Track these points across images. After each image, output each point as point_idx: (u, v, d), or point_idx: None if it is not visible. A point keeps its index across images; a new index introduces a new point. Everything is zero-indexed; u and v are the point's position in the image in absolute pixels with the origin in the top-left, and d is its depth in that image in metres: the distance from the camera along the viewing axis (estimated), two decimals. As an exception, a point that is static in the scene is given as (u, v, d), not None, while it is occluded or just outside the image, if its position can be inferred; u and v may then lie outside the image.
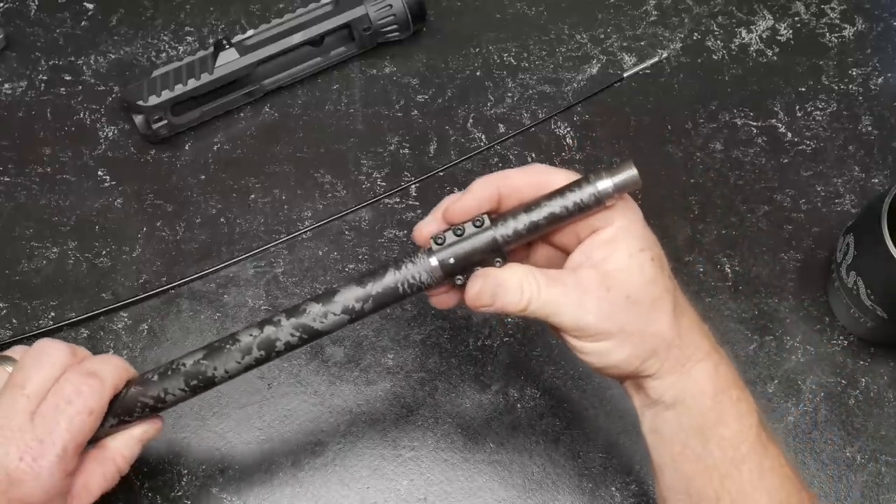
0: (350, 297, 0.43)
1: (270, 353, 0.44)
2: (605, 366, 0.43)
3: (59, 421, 0.42)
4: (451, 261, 0.42)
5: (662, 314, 0.42)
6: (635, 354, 0.42)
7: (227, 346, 0.44)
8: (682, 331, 0.43)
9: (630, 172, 0.41)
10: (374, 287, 0.43)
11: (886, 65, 0.65)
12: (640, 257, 0.42)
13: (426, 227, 0.44)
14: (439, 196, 0.48)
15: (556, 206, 0.42)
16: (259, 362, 0.44)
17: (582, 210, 0.41)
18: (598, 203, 0.41)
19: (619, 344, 0.42)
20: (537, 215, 0.42)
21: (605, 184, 0.41)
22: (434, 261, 0.42)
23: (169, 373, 0.45)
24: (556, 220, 0.42)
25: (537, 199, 0.42)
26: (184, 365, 0.45)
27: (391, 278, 0.43)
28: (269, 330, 0.44)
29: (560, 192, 0.42)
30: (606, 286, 0.41)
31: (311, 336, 0.44)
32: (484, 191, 0.43)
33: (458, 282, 0.43)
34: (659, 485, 0.45)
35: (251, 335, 0.44)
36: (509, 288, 0.42)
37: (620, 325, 0.42)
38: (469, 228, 0.42)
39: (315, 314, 0.43)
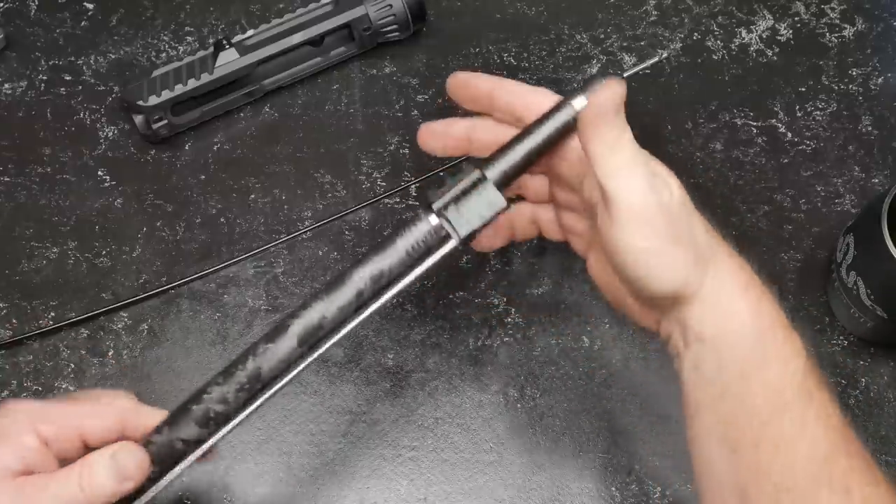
0: (363, 276, 0.43)
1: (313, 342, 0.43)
2: (654, 269, 0.41)
3: None
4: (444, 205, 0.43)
5: (696, 218, 0.43)
6: (680, 264, 0.41)
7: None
8: (715, 248, 0.43)
9: (600, 84, 0.42)
10: (385, 261, 0.43)
11: (886, 65, 0.65)
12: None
13: None
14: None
15: (539, 136, 0.43)
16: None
17: (565, 132, 0.43)
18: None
19: (668, 246, 0.41)
20: (525, 148, 0.43)
21: (581, 101, 0.43)
22: (434, 218, 0.43)
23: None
24: (543, 149, 0.43)
25: (520, 133, 0.44)
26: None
27: (400, 245, 0.43)
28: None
29: (540, 120, 0.43)
30: (658, 176, 0.43)
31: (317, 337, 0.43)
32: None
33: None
34: (692, 429, 0.43)
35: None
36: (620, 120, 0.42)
37: (671, 216, 0.42)
38: (460, 179, 0.43)
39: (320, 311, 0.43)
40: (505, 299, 0.58)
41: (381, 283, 0.43)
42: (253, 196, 0.61)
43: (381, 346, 0.57)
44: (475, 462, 0.54)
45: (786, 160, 0.62)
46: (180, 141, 0.63)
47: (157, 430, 0.43)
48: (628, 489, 0.54)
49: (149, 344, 0.57)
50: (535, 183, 0.49)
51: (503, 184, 0.44)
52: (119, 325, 0.58)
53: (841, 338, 0.58)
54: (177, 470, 0.43)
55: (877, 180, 0.62)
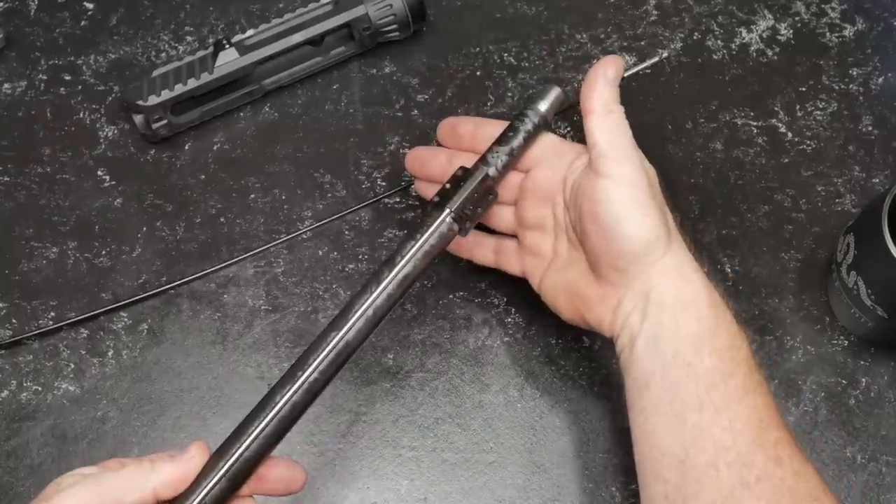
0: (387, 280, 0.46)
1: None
2: (625, 219, 0.45)
3: None
4: (459, 206, 0.48)
5: (668, 212, 0.48)
6: (653, 219, 0.46)
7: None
8: (677, 231, 0.48)
9: (555, 92, 0.52)
10: (405, 261, 0.46)
11: (887, 65, 0.65)
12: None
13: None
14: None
15: (519, 137, 0.50)
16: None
17: (535, 134, 0.51)
18: (545, 122, 0.51)
19: (645, 198, 0.46)
20: (508, 146, 0.50)
21: (543, 105, 0.51)
22: (446, 211, 0.47)
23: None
24: (522, 147, 0.50)
25: (498, 137, 0.50)
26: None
27: (418, 245, 0.47)
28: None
29: (513, 126, 0.51)
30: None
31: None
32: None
33: (465, 230, 0.48)
34: (640, 403, 0.46)
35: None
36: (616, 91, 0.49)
37: (649, 181, 0.47)
38: (461, 177, 0.49)
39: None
40: (505, 299, 0.58)
41: (406, 284, 0.46)
42: (253, 196, 0.61)
43: (381, 346, 0.57)
44: (475, 462, 0.54)
45: (786, 160, 0.62)
46: (180, 141, 0.63)
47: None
48: (628, 489, 0.54)
49: (149, 344, 0.57)
50: (502, 213, 0.54)
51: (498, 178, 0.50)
52: (119, 325, 0.58)
53: (841, 338, 0.58)
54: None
55: (877, 180, 0.62)
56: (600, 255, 0.47)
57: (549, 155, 0.51)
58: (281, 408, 0.43)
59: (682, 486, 0.43)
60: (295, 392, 0.43)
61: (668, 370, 0.45)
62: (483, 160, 0.50)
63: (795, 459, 0.44)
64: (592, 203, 0.46)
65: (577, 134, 0.63)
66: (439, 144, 0.56)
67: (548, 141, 0.52)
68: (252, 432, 0.42)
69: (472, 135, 0.53)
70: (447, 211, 0.48)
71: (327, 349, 0.44)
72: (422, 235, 0.47)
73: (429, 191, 0.54)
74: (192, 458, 0.41)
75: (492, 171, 0.50)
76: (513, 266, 0.54)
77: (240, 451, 0.42)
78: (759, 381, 0.45)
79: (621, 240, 0.46)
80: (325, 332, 0.45)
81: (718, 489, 0.43)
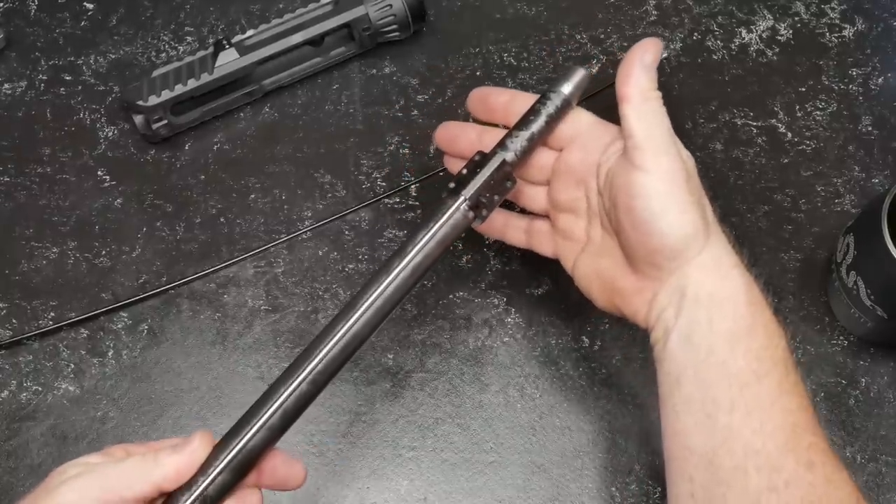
0: (404, 266, 0.45)
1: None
2: (669, 214, 0.44)
3: None
4: (475, 193, 0.46)
5: (705, 198, 0.46)
6: (691, 215, 0.44)
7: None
8: (717, 225, 0.46)
9: (580, 73, 0.49)
10: (417, 249, 0.45)
11: (886, 65, 0.65)
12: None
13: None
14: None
15: (540, 121, 0.48)
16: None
17: (558, 116, 0.49)
18: (568, 105, 0.49)
19: (683, 193, 0.44)
20: (528, 130, 0.48)
21: (567, 87, 0.49)
22: (461, 198, 0.46)
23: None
24: (544, 131, 0.48)
25: (518, 121, 0.48)
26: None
27: (431, 232, 0.45)
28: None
29: (534, 109, 0.48)
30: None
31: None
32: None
33: (481, 218, 0.47)
34: (672, 400, 0.44)
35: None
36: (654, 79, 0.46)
37: (687, 174, 0.45)
38: (478, 162, 0.47)
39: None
40: (505, 299, 0.58)
41: (419, 273, 0.45)
42: (253, 196, 0.61)
43: (381, 346, 0.57)
44: (475, 462, 0.54)
45: (786, 160, 0.62)
46: (180, 141, 0.63)
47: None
48: (628, 489, 0.54)
49: (149, 344, 0.57)
50: (534, 193, 0.52)
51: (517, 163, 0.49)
52: (119, 325, 0.58)
53: (841, 338, 0.58)
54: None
55: (877, 180, 0.62)
56: (636, 248, 0.45)
57: (584, 136, 0.49)
58: (286, 398, 0.42)
59: (709, 486, 0.42)
60: (301, 383, 0.42)
61: (701, 368, 0.43)
62: (502, 145, 0.48)
63: (828, 465, 0.42)
64: (628, 196, 0.44)
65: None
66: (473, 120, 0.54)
67: (583, 120, 0.49)
68: (256, 423, 0.42)
69: (505, 108, 0.51)
70: (462, 198, 0.46)
71: (337, 337, 0.43)
72: (435, 223, 0.46)
73: (457, 167, 0.51)
74: (195, 451, 0.41)
75: (510, 156, 0.48)
76: (545, 248, 0.52)
77: (244, 441, 0.41)
78: (794, 382, 0.44)
79: (658, 236, 0.44)
80: (334, 320, 0.44)
81: (745, 493, 0.41)
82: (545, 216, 0.52)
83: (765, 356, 0.43)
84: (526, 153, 0.48)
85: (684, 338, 0.44)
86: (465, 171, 0.47)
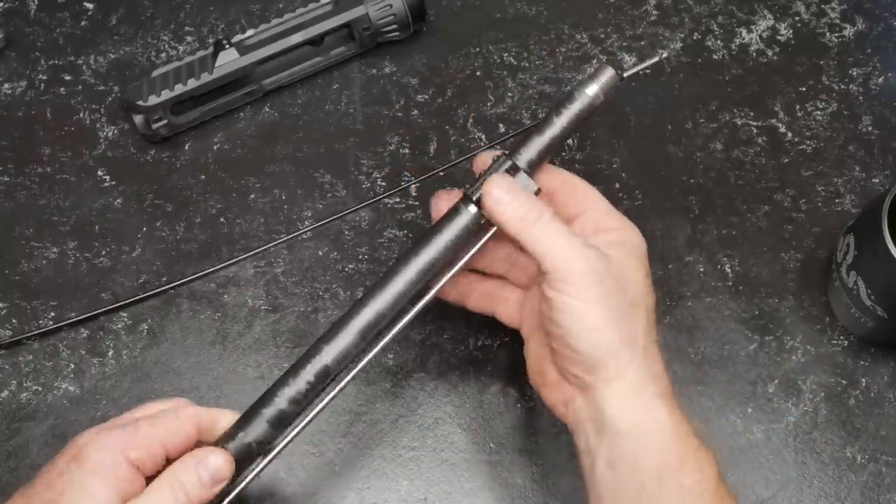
0: (414, 269, 0.46)
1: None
2: (575, 333, 0.42)
3: None
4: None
5: (641, 317, 0.44)
6: (608, 335, 0.42)
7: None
8: (649, 349, 0.44)
9: (609, 73, 0.46)
10: (427, 252, 0.46)
11: (886, 65, 0.65)
12: (644, 264, 0.44)
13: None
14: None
15: (560, 123, 0.46)
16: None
17: (580, 119, 0.46)
18: (592, 108, 0.46)
19: (598, 311, 0.42)
20: (548, 135, 0.46)
21: (592, 89, 0.46)
22: (473, 207, 0.46)
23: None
24: (564, 135, 0.47)
25: (539, 124, 0.47)
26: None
27: (444, 237, 0.46)
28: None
29: (557, 109, 0.47)
30: (608, 260, 0.43)
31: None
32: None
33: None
34: None
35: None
36: (530, 196, 0.45)
37: (607, 291, 0.42)
38: (492, 166, 0.47)
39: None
40: (505, 299, 0.58)
41: (431, 274, 0.46)
42: (253, 196, 0.61)
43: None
44: (475, 462, 0.54)
45: (786, 160, 0.62)
46: (180, 141, 0.63)
47: (230, 435, 0.44)
48: (628, 489, 0.54)
49: (149, 344, 0.57)
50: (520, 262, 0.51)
51: (531, 170, 0.47)
52: (119, 325, 0.58)
53: (841, 338, 0.58)
54: (253, 472, 0.44)
55: (877, 180, 0.62)
56: (556, 350, 0.45)
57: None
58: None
59: None
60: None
61: (630, 500, 0.42)
62: (515, 151, 0.47)
63: None
64: (545, 306, 0.44)
65: (577, 132, 0.63)
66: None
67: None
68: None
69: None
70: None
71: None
72: (446, 228, 0.46)
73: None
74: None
75: (522, 162, 0.47)
76: (507, 317, 0.52)
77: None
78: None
79: (572, 349, 0.43)
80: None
81: None
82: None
83: (699, 491, 0.42)
84: (542, 158, 0.47)
85: (609, 465, 0.43)
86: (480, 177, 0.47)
